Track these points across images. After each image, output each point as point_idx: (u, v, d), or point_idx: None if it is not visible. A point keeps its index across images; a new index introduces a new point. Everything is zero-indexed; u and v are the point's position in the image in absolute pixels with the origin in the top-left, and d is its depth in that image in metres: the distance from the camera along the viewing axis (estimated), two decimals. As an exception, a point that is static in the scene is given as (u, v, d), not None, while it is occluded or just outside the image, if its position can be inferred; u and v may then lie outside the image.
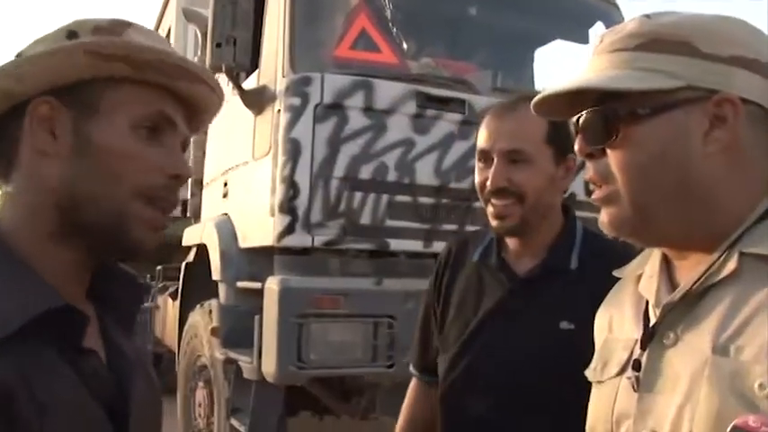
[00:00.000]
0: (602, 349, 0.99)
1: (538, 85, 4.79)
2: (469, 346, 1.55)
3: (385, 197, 3.56)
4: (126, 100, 0.87)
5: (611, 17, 4.57)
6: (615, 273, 1.05)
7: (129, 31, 0.89)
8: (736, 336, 0.77)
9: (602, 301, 1.33)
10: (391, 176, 3.56)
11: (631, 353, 0.90)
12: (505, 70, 4.67)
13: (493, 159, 1.52)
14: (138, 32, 0.90)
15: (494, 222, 1.54)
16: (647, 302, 0.92)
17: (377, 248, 3.57)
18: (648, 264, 0.96)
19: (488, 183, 1.51)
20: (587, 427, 0.98)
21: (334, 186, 3.46)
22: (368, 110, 3.53)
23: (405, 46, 3.79)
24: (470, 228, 3.71)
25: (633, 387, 0.87)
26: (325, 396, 3.90)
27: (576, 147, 0.92)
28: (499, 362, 1.51)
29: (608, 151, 0.87)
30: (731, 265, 0.81)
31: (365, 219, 3.52)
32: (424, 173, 3.63)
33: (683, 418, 0.78)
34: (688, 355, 0.81)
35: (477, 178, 1.57)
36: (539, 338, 1.48)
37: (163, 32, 7.48)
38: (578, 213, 1.67)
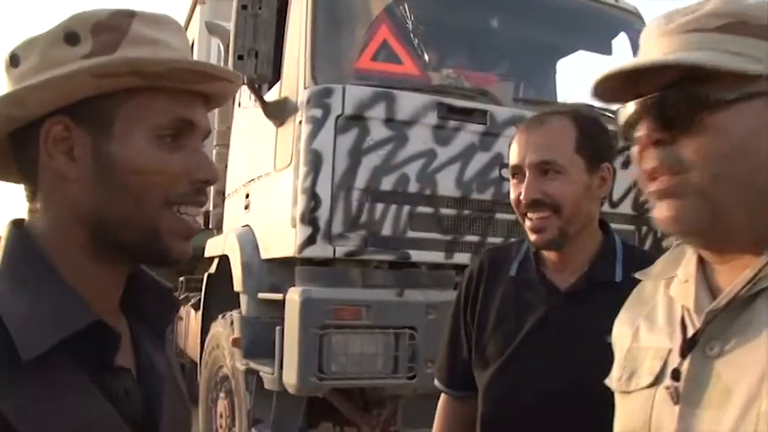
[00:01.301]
0: (627, 358, 0.94)
1: (560, 97, 4.77)
2: (513, 363, 1.53)
3: (406, 208, 3.55)
4: (142, 111, 0.83)
5: (634, 27, 4.55)
6: (637, 275, 1.01)
7: (134, 23, 0.83)
8: None
9: None
10: (412, 188, 3.55)
11: (665, 362, 0.85)
12: (527, 81, 4.66)
13: (525, 174, 1.51)
14: (144, 23, 0.84)
15: (532, 237, 1.52)
16: (683, 308, 0.87)
17: (398, 260, 3.57)
18: (681, 267, 0.91)
19: (522, 196, 1.50)
20: None
21: (356, 197, 3.46)
22: (389, 121, 3.54)
23: (426, 57, 3.79)
24: (492, 239, 3.70)
25: (672, 399, 0.82)
26: (346, 408, 3.89)
27: (642, 131, 0.82)
28: (544, 378, 1.48)
29: (684, 138, 0.79)
30: None
31: (386, 230, 3.52)
32: (446, 184, 3.62)
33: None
34: (740, 367, 0.76)
35: (512, 194, 1.56)
36: (584, 353, 1.43)
37: (186, 46, 7.56)
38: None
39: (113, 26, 0.83)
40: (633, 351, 0.93)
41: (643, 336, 0.92)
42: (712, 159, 0.78)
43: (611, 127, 1.61)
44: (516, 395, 1.52)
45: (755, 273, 0.78)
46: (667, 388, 0.83)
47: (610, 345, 1.44)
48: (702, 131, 0.78)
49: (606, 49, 4.66)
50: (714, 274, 0.86)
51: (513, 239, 3.67)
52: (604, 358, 1.44)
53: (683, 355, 0.83)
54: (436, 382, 1.80)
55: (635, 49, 4.54)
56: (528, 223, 1.52)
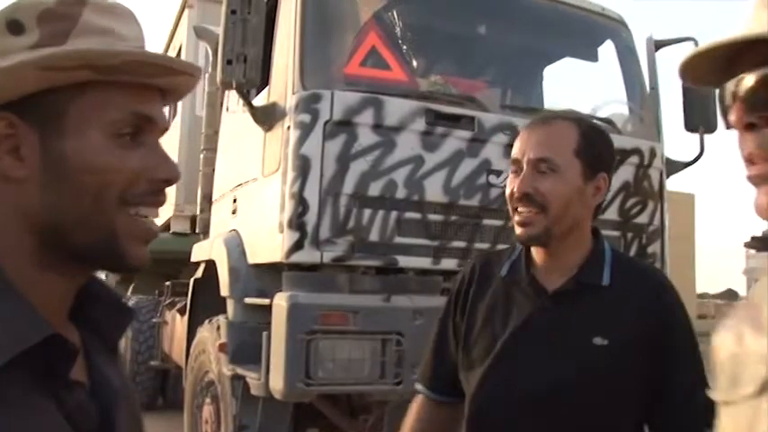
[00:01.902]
0: (728, 363, 0.83)
1: (547, 103, 4.81)
2: (501, 363, 1.54)
3: (394, 214, 3.56)
4: (96, 106, 0.77)
5: (621, 36, 4.60)
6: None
7: (85, 11, 0.77)
8: None
9: (635, 318, 1.26)
10: (400, 193, 3.57)
11: None
12: (515, 88, 4.69)
13: (523, 168, 1.53)
14: (96, 11, 0.78)
15: (518, 230, 1.55)
16: None
17: (385, 265, 3.57)
18: None
19: (515, 189, 1.53)
20: None
21: (343, 203, 3.46)
22: (377, 127, 3.55)
23: (414, 63, 3.82)
24: (479, 245, 3.71)
25: None
26: (333, 413, 3.89)
27: (734, 116, 0.77)
28: (532, 378, 1.50)
29: None
30: None
31: (374, 235, 3.52)
32: (433, 190, 3.63)
33: None
34: None
35: (508, 188, 1.58)
36: (572, 354, 1.48)
37: (174, 50, 7.55)
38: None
39: (62, 14, 0.76)
40: (737, 356, 0.83)
41: (749, 341, 0.82)
42: None
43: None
44: (501, 395, 1.54)
45: None
46: None
47: (597, 346, 1.47)
48: None
49: (592, 57, 4.70)
50: None
51: (500, 245, 3.72)
52: (589, 359, 1.47)
53: None
54: (417, 385, 1.79)
55: (621, 56, 4.59)
56: (516, 217, 1.55)
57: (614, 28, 4.59)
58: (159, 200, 0.82)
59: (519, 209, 1.54)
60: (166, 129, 0.85)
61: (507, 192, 1.58)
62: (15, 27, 0.75)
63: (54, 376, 0.75)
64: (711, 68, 0.78)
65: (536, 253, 1.60)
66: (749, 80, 0.74)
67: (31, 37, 0.75)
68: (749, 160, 0.76)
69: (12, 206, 0.76)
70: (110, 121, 0.77)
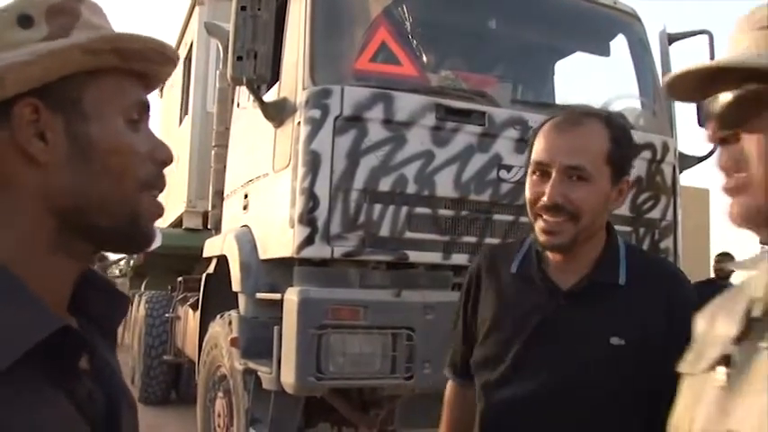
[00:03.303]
0: (699, 342, 0.94)
1: (558, 99, 4.79)
2: (519, 364, 1.52)
3: (404, 209, 3.57)
4: (110, 91, 0.82)
5: (633, 30, 4.57)
6: (733, 266, 1.01)
7: (83, 9, 0.82)
8: None
9: (651, 317, 1.27)
10: (411, 189, 3.57)
11: (724, 348, 0.86)
12: (525, 83, 4.68)
13: (550, 174, 1.46)
14: (91, 11, 0.83)
15: (542, 237, 1.49)
16: (753, 299, 0.87)
17: (396, 260, 3.58)
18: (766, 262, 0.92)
19: (544, 197, 1.46)
20: (672, 422, 0.94)
21: (354, 198, 3.47)
22: (387, 122, 3.55)
23: (424, 59, 3.81)
24: (490, 240, 3.71)
25: (720, 383, 0.83)
26: (344, 408, 3.90)
27: (708, 132, 0.84)
28: (549, 379, 1.48)
29: (744, 136, 0.80)
30: None
31: (384, 230, 3.53)
32: (444, 185, 3.63)
33: (765, 424, 0.74)
34: None
35: (530, 190, 1.51)
36: (589, 354, 1.45)
37: (185, 47, 7.58)
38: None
39: (66, 10, 0.81)
40: (706, 336, 0.93)
41: (719, 322, 0.92)
42: None
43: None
44: (520, 395, 1.52)
45: None
46: (718, 372, 0.84)
47: (613, 346, 1.45)
48: (762, 129, 0.79)
49: (604, 51, 4.68)
50: None
51: (511, 240, 3.71)
52: (605, 359, 1.45)
53: (737, 342, 0.83)
54: (446, 370, 1.81)
55: (633, 50, 4.56)
56: (541, 224, 1.48)
57: (627, 21, 4.56)
58: (164, 182, 0.87)
59: (545, 216, 1.47)
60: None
61: (529, 195, 1.51)
62: (26, 21, 0.78)
63: (63, 367, 0.77)
64: (695, 86, 0.85)
65: (552, 252, 1.55)
66: (722, 99, 0.81)
67: (41, 31, 0.79)
68: (724, 172, 0.83)
69: (33, 189, 0.78)
70: (124, 106, 0.83)
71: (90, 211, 0.80)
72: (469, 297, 1.69)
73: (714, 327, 0.92)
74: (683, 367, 0.95)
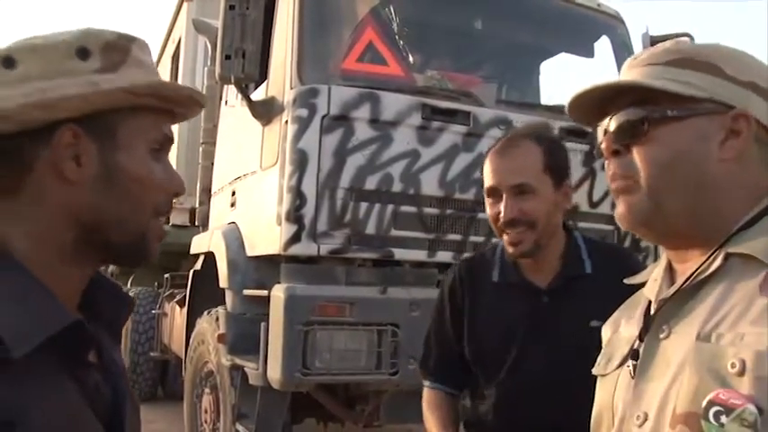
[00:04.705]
0: (608, 346, 1.10)
1: (543, 99, 4.85)
2: (518, 358, 1.73)
3: (390, 207, 3.61)
4: (144, 127, 0.92)
5: (617, 31, 4.64)
6: (626, 281, 1.15)
7: (134, 47, 0.92)
8: (718, 325, 0.86)
9: (619, 297, 1.41)
10: (396, 187, 3.62)
11: (632, 346, 1.00)
12: (510, 83, 4.73)
13: (501, 195, 1.71)
14: (140, 49, 0.93)
15: (510, 249, 1.74)
16: (650, 302, 1.03)
17: (382, 258, 3.63)
18: (655, 270, 1.07)
19: (501, 216, 1.70)
20: (593, 417, 1.08)
21: (340, 196, 3.51)
22: (374, 121, 3.60)
23: (411, 59, 3.85)
24: (474, 238, 3.77)
25: (631, 375, 0.97)
26: (330, 403, 3.95)
27: (604, 145, 1.01)
28: (545, 365, 1.69)
29: (634, 148, 0.97)
30: (716, 263, 0.91)
31: (370, 228, 3.58)
32: (429, 184, 3.69)
33: (669, 398, 0.87)
34: (679, 344, 0.90)
35: (490, 212, 1.76)
36: (575, 340, 1.60)
37: (173, 43, 7.58)
38: (583, 224, 1.83)
39: (119, 47, 0.90)
40: (612, 341, 1.10)
41: (622, 328, 1.09)
42: (656, 164, 0.96)
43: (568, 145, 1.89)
44: (523, 382, 1.72)
45: (697, 267, 0.93)
46: (627, 366, 0.99)
47: (593, 328, 1.60)
48: (648, 143, 0.96)
49: (588, 53, 4.74)
50: (676, 274, 1.01)
51: (494, 239, 3.77)
52: (591, 342, 1.59)
53: (641, 338, 0.98)
54: (428, 382, 1.96)
55: (617, 52, 4.63)
56: (506, 237, 1.73)
57: (610, 23, 4.63)
58: (169, 210, 0.98)
59: (508, 231, 1.72)
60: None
61: (490, 215, 1.76)
62: (83, 53, 0.88)
63: (74, 359, 0.85)
64: (590, 110, 1.04)
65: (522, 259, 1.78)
66: (616, 118, 0.99)
67: (95, 63, 0.88)
68: (612, 179, 1.01)
69: (60, 203, 0.87)
70: (151, 140, 0.92)
71: (106, 229, 0.89)
72: (453, 306, 1.88)
73: (618, 332, 1.10)
74: (596, 370, 1.10)
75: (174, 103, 0.95)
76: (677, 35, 4.71)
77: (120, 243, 0.90)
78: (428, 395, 1.95)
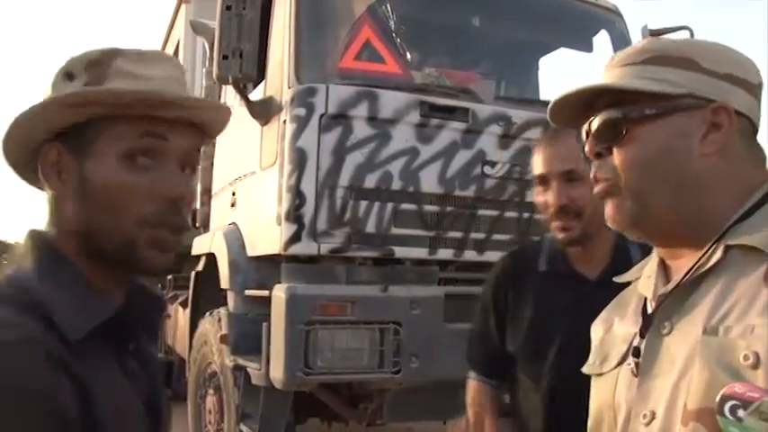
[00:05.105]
0: (601, 346, 1.08)
1: (543, 94, 4.83)
2: (567, 348, 1.70)
3: (390, 205, 3.61)
4: (119, 134, 0.92)
5: (615, 26, 4.62)
6: (615, 279, 1.14)
7: (118, 60, 0.94)
8: (724, 318, 0.84)
9: None
10: (396, 185, 3.61)
11: (630, 344, 0.99)
12: (509, 79, 4.72)
13: (550, 183, 1.74)
14: (126, 60, 0.94)
15: (560, 236, 1.76)
16: (646, 299, 1.01)
17: (382, 256, 3.62)
18: (647, 267, 1.06)
19: (551, 203, 1.74)
20: (591, 418, 1.07)
21: (340, 195, 3.51)
22: (372, 119, 3.59)
23: (408, 56, 3.84)
24: (475, 235, 3.76)
25: (633, 373, 0.95)
26: (333, 402, 3.95)
27: (587, 147, 1.01)
28: None
29: (615, 149, 0.96)
30: (716, 256, 0.89)
31: (370, 227, 3.57)
32: (429, 181, 3.68)
33: (678, 395, 0.85)
34: (683, 339, 0.88)
35: (539, 199, 1.79)
36: None
37: (172, 45, 7.57)
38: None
39: (101, 62, 0.94)
40: (606, 339, 1.08)
41: (616, 327, 1.07)
42: (636, 164, 0.95)
43: None
44: (572, 373, 1.73)
45: (696, 262, 0.92)
46: (629, 364, 0.97)
47: None
48: (629, 142, 0.96)
49: (587, 47, 4.72)
50: (670, 270, 1.00)
51: (495, 235, 3.77)
52: None
53: (642, 335, 0.96)
54: (473, 373, 2.01)
55: (616, 46, 4.61)
56: (555, 225, 1.75)
57: (609, 18, 4.61)
58: (172, 221, 0.95)
59: (557, 218, 1.74)
60: (189, 154, 0.99)
61: (540, 203, 1.79)
62: (69, 76, 0.95)
63: (118, 347, 0.95)
64: (572, 113, 1.04)
65: (571, 247, 1.78)
66: (597, 120, 0.98)
67: (80, 82, 0.94)
68: (595, 180, 1.01)
69: (61, 216, 0.96)
70: (125, 146, 0.92)
71: (95, 237, 0.93)
72: (499, 299, 1.90)
73: (612, 330, 1.08)
74: (590, 370, 1.10)
75: (139, 108, 0.92)
76: (676, 29, 4.69)
77: (110, 251, 0.93)
78: (472, 387, 2.01)
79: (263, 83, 3.98)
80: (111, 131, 0.92)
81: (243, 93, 3.82)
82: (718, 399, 0.77)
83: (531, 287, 1.84)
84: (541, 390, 1.78)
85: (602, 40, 4.64)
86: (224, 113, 1.03)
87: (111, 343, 0.93)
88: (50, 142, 0.93)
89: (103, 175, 0.92)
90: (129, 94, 0.91)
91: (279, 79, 3.76)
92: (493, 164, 3.79)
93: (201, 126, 1.00)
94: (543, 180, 1.77)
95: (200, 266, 4.96)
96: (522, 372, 1.87)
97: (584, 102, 1.00)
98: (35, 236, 0.96)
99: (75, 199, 0.93)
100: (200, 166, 4.56)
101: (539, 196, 1.79)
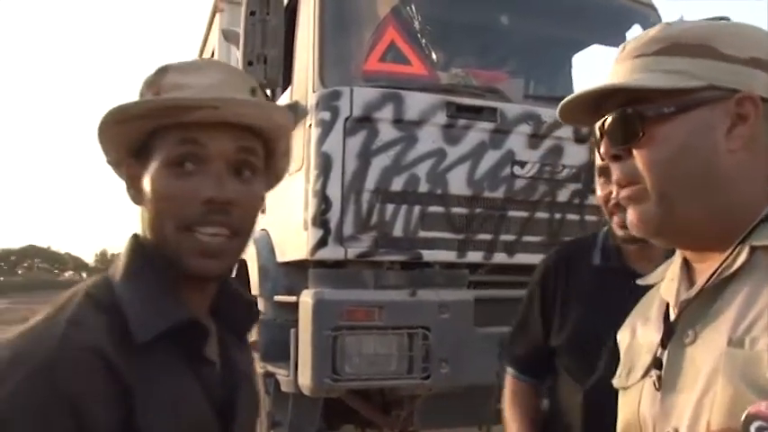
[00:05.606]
0: (626, 355, 1.01)
1: (576, 91, 4.72)
2: (617, 350, 1.67)
3: (417, 208, 3.55)
4: (164, 144, 0.97)
5: (649, 19, 4.48)
6: (639, 281, 1.08)
7: (169, 74, 1.00)
8: (750, 328, 0.78)
9: None
10: (423, 187, 3.55)
11: (655, 354, 0.91)
12: (539, 77, 4.63)
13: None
14: (174, 73, 1.00)
15: (619, 231, 1.70)
16: (668, 305, 0.94)
17: (410, 260, 3.57)
18: (670, 269, 0.99)
19: (613, 196, 1.65)
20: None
21: (366, 199, 3.47)
22: (398, 122, 3.54)
23: (434, 57, 3.79)
24: (505, 237, 3.69)
25: (655, 386, 0.89)
26: (364, 409, 3.90)
27: (602, 150, 0.93)
28: None
29: (634, 151, 0.89)
30: (741, 258, 0.83)
31: (398, 230, 3.52)
32: (457, 183, 3.61)
33: (701, 412, 0.79)
34: (707, 350, 0.82)
35: (600, 193, 1.74)
36: None
37: (207, 53, 7.66)
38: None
39: (155, 80, 1.00)
40: (631, 348, 1.01)
41: (640, 333, 1.00)
42: (659, 165, 0.87)
43: None
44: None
45: (719, 265, 0.85)
46: (651, 377, 0.90)
47: None
48: (649, 143, 0.88)
49: (620, 43, 4.57)
50: (694, 273, 0.93)
51: (526, 237, 3.68)
52: None
53: (664, 345, 0.90)
54: (512, 370, 1.96)
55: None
56: (616, 219, 1.70)
57: (642, 12, 4.49)
58: (214, 218, 0.96)
59: (617, 213, 1.68)
60: (230, 157, 0.99)
61: (600, 196, 1.73)
62: (141, 95, 1.01)
63: (192, 352, 0.98)
64: (584, 111, 0.96)
65: (629, 244, 1.72)
66: (611, 120, 0.91)
67: (147, 97, 0.99)
68: (618, 185, 0.93)
69: (143, 226, 1.01)
70: (168, 154, 0.96)
71: (157, 246, 0.98)
72: (547, 292, 1.84)
73: (636, 338, 1.01)
74: (618, 382, 1.02)
75: (175, 115, 0.95)
76: (714, 20, 4.55)
77: (167, 255, 0.97)
78: (511, 385, 1.96)
79: (289, 88, 3.97)
80: (160, 141, 0.97)
81: (268, 98, 3.81)
82: (743, 418, 0.70)
83: (582, 280, 1.78)
84: (585, 389, 1.71)
85: (635, 34, 4.52)
86: (269, 111, 1.02)
87: (185, 347, 0.96)
88: (128, 158, 1.01)
89: (150, 183, 0.97)
90: (133, 106, 0.97)
91: (304, 84, 3.74)
92: (522, 164, 3.71)
93: (252, 128, 1.00)
94: (604, 172, 1.70)
95: (233, 273, 4.98)
96: (565, 368, 1.80)
97: (595, 99, 0.93)
98: (133, 240, 1.02)
99: (144, 209, 0.99)
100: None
101: (600, 189, 1.75)
